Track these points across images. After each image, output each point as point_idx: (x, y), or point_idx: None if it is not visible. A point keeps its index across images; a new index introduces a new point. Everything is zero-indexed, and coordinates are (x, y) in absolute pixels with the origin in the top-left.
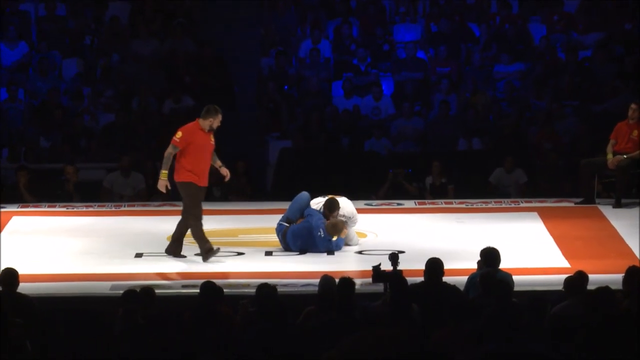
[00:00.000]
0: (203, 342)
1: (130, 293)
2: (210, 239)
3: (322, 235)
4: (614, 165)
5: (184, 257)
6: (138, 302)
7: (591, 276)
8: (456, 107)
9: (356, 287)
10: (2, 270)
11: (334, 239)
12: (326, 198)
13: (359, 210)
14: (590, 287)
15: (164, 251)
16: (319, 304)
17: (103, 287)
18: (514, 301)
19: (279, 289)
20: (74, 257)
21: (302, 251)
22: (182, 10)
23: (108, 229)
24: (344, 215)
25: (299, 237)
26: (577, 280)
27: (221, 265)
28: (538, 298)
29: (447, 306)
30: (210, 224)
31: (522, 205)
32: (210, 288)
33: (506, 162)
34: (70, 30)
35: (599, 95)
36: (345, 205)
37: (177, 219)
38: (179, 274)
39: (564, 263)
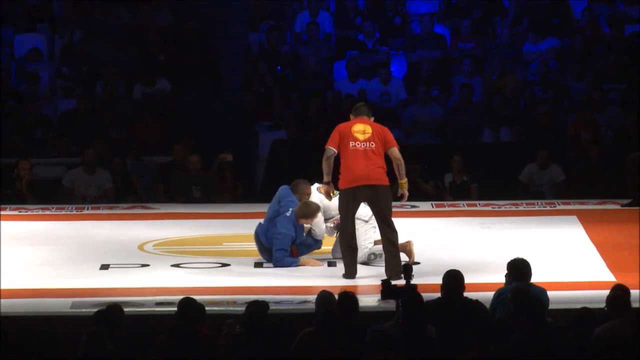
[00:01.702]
0: None
1: (103, 313)
2: (190, 247)
3: (288, 215)
4: None
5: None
6: (104, 322)
7: None
8: (480, 91)
9: (366, 304)
10: None
11: (307, 226)
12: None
13: None
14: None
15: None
16: (319, 324)
17: (62, 305)
18: (549, 321)
19: (272, 307)
20: (28, 269)
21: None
22: None
23: (68, 236)
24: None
25: (266, 227)
26: (621, 296)
27: (202, 278)
28: (578, 317)
29: (470, 327)
30: (189, 230)
31: (558, 207)
32: (189, 306)
33: (540, 156)
34: (24, 2)
35: None
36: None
37: (149, 223)
38: (152, 289)
39: (609, 276)
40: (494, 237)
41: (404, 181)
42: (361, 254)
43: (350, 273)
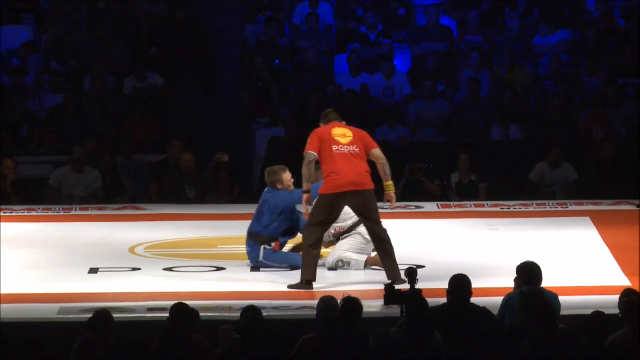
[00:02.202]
0: None
1: (92, 320)
2: (183, 250)
3: (268, 191)
4: None
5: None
6: (94, 329)
7: None
8: (489, 86)
9: (369, 310)
10: None
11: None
12: None
13: None
14: None
15: (389, 282)
16: (319, 330)
17: (49, 311)
18: (560, 327)
19: (269, 313)
20: (13, 273)
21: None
22: None
23: (55, 238)
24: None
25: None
26: (633, 301)
27: (196, 283)
28: (591, 323)
29: (477, 334)
30: (183, 232)
31: (571, 208)
32: (182, 311)
33: (551, 155)
34: None
35: None
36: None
37: (140, 225)
38: (143, 293)
39: (623, 280)
40: (503, 239)
41: (390, 183)
42: (331, 259)
43: (307, 275)
